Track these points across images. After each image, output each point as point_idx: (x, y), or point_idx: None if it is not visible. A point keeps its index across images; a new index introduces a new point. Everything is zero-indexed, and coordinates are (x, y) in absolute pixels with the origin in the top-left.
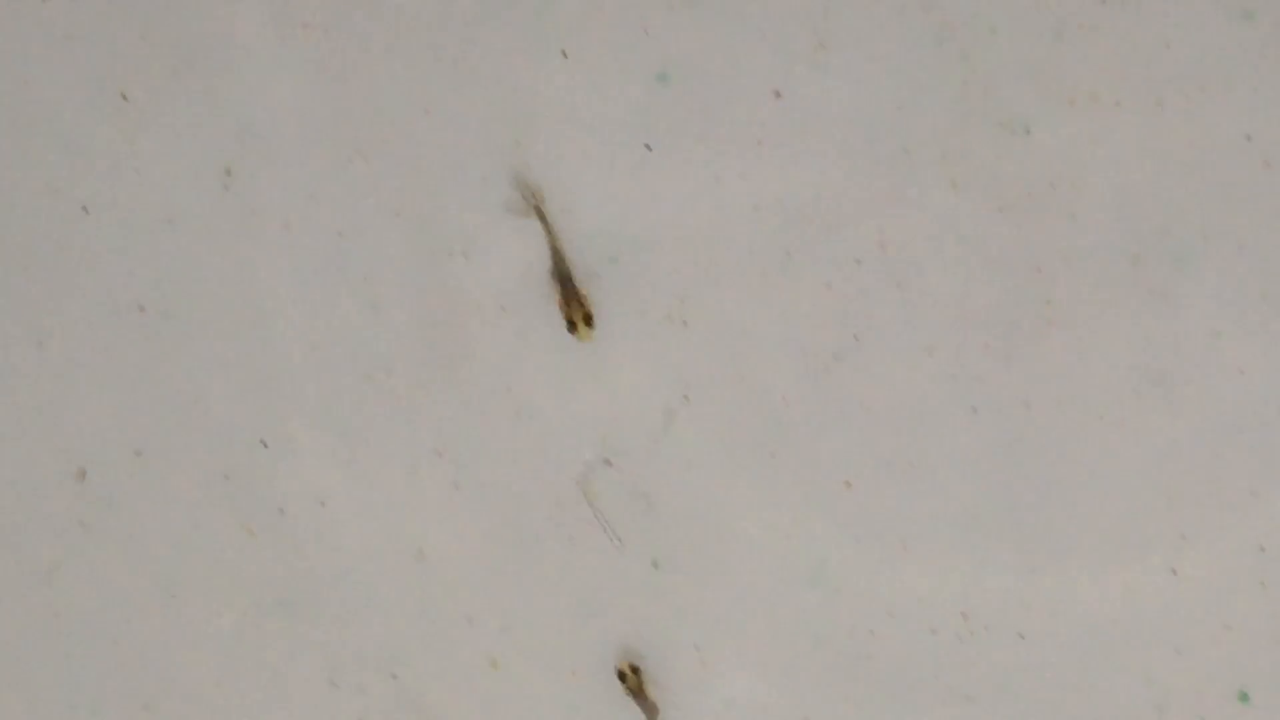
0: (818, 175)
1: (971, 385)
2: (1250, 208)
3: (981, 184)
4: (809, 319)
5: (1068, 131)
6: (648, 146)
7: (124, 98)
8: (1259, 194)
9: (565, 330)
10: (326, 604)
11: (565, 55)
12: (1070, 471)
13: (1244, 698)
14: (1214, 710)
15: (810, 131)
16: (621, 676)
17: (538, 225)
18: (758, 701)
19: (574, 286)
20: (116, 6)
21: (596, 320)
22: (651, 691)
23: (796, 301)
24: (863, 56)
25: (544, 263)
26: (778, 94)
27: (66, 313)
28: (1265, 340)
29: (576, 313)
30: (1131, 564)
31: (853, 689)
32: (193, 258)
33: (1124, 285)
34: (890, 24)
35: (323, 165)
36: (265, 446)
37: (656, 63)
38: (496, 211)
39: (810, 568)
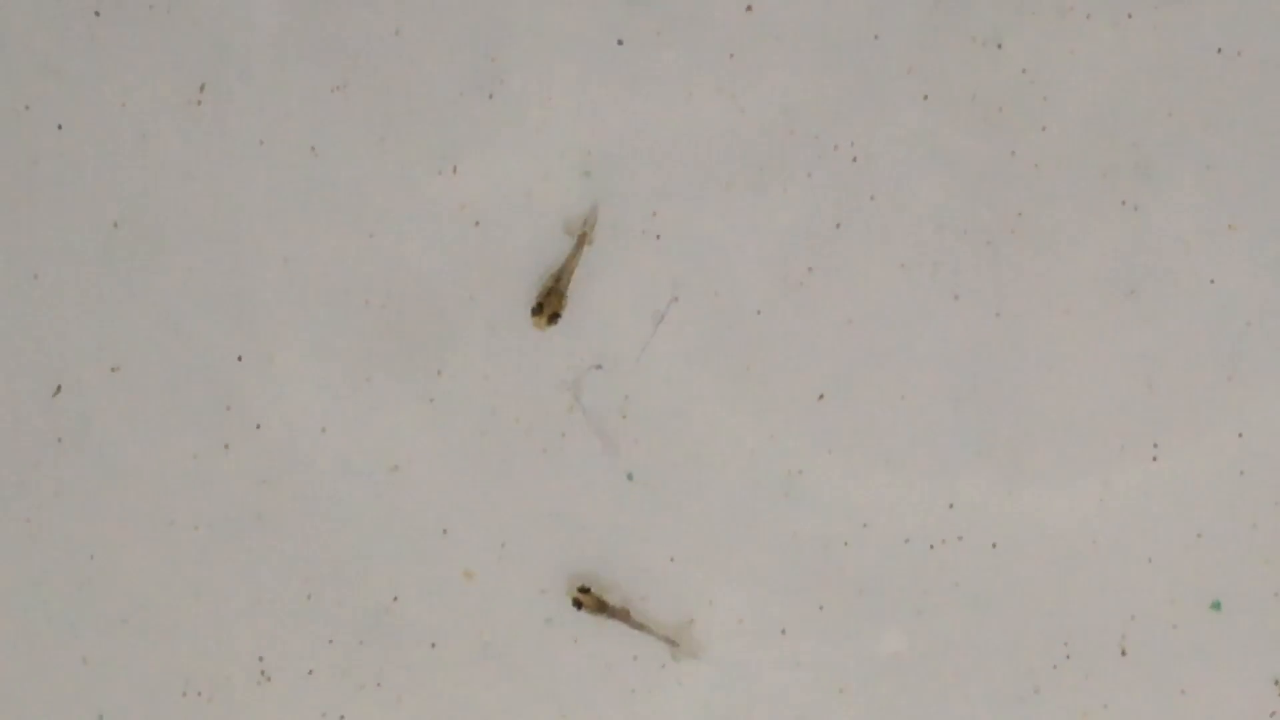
0: (790, 88)
1: (943, 297)
2: (1219, 120)
3: (953, 96)
4: (783, 232)
5: (1039, 44)
6: (621, 62)
7: (97, 14)
8: (1228, 106)
9: (530, 306)
10: (302, 518)
11: None
12: (1043, 381)
13: (1216, 606)
14: (1186, 619)
15: (782, 44)
16: (577, 604)
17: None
18: (732, 612)
19: (563, 287)
20: None
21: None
22: (612, 599)
23: (770, 214)
24: None
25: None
26: (749, 7)
27: (42, 230)
28: (1233, 250)
29: (553, 304)
30: (1106, 472)
31: (827, 599)
32: (168, 174)
33: (1095, 196)
34: None
35: (297, 82)
36: (241, 362)
37: None
38: (472, 126)
39: (784, 479)
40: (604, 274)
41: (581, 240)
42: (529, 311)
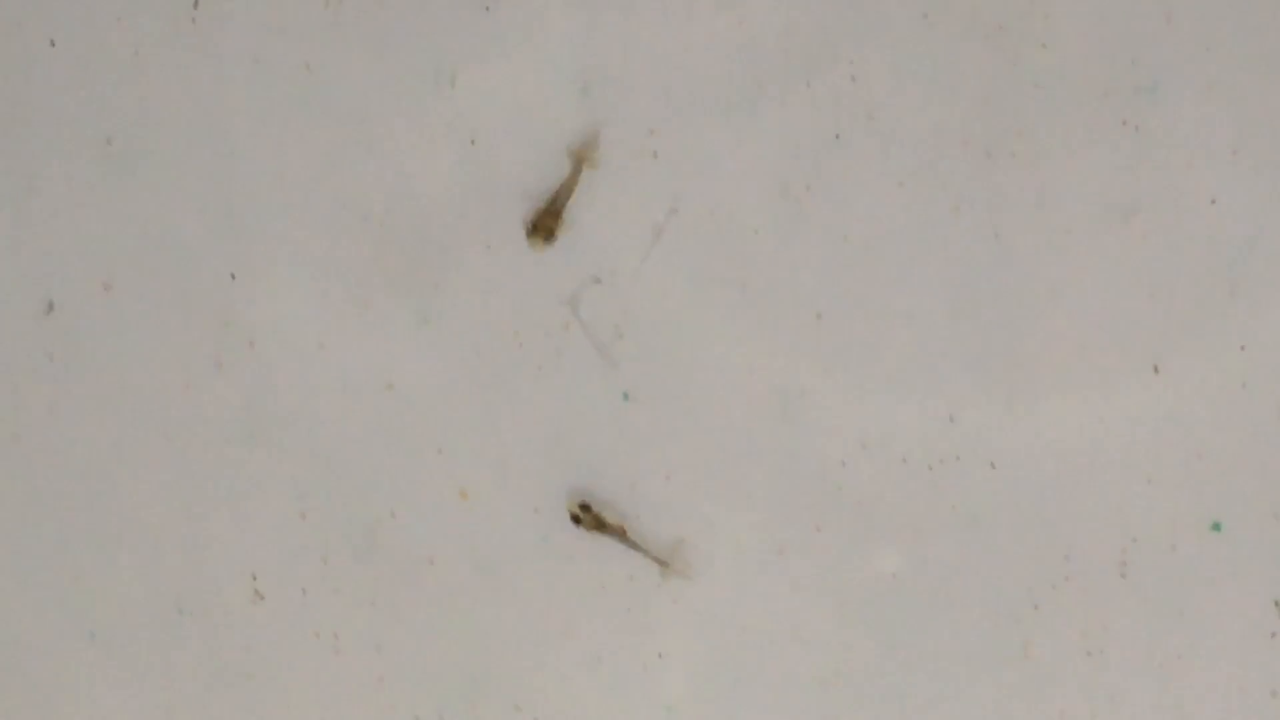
0: (790, 5)
1: (942, 217)
2: (1222, 39)
3: (953, 14)
4: (780, 150)
5: None
6: None
7: None
8: (1230, 25)
9: (525, 228)
10: (295, 436)
11: None
12: (1042, 300)
13: (1216, 527)
14: (1186, 540)
15: None
16: (576, 520)
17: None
18: (729, 533)
19: (559, 208)
20: None
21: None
22: (611, 516)
23: (768, 133)
24: None
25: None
26: None
27: (34, 146)
28: (1235, 171)
29: (548, 224)
30: (1105, 391)
31: (824, 519)
32: (161, 91)
33: (1095, 116)
34: None
35: None
36: (234, 279)
37: None
38: (469, 39)
39: (781, 399)
40: (600, 192)
41: (580, 162)
42: (524, 232)
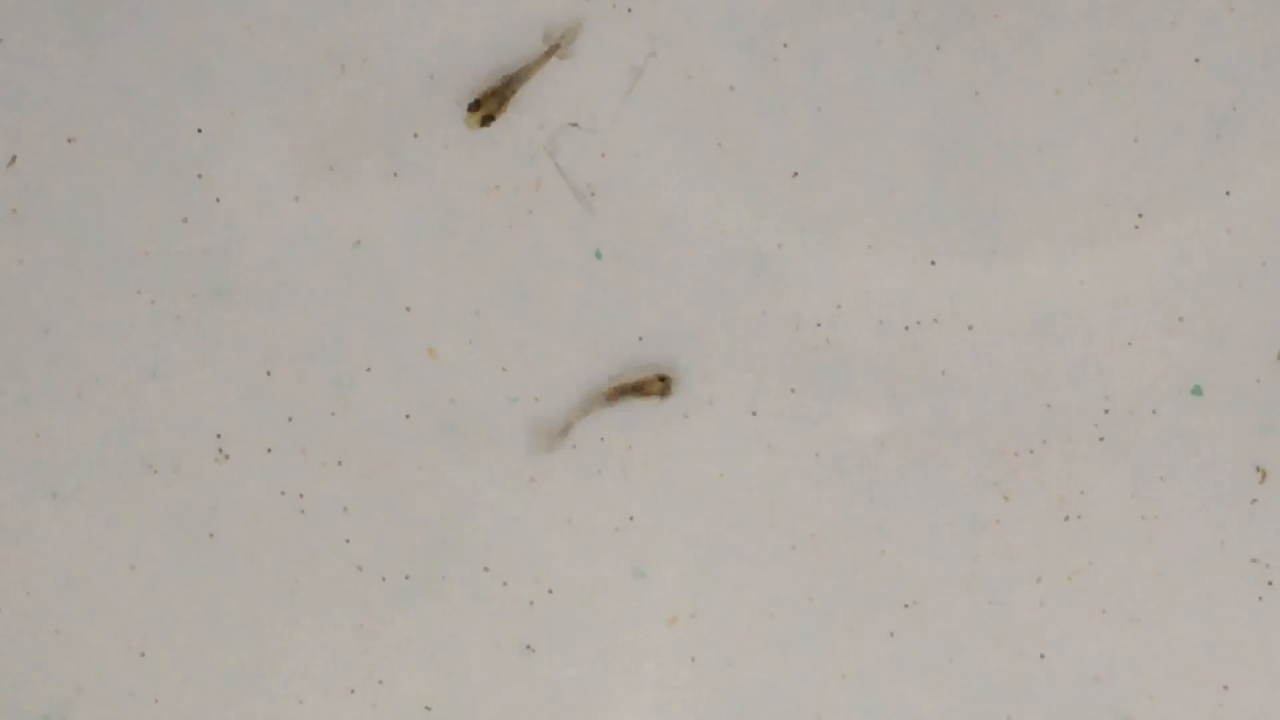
0: None
1: (922, 74)
2: None
3: None
4: (757, 7)
5: None
6: None
7: None
8: None
9: (469, 103)
10: (262, 293)
11: None
12: (1022, 160)
13: (1197, 391)
14: (1166, 403)
15: None
16: (639, 389)
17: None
18: (702, 395)
19: (509, 92)
20: None
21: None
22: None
23: None
24: None
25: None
26: None
27: None
28: (1219, 28)
29: (491, 106)
30: (1086, 252)
31: (799, 380)
32: None
33: None
34: None
35: None
36: (201, 134)
37: None
38: None
39: (757, 258)
40: (576, 49)
41: (552, 50)
42: (465, 109)
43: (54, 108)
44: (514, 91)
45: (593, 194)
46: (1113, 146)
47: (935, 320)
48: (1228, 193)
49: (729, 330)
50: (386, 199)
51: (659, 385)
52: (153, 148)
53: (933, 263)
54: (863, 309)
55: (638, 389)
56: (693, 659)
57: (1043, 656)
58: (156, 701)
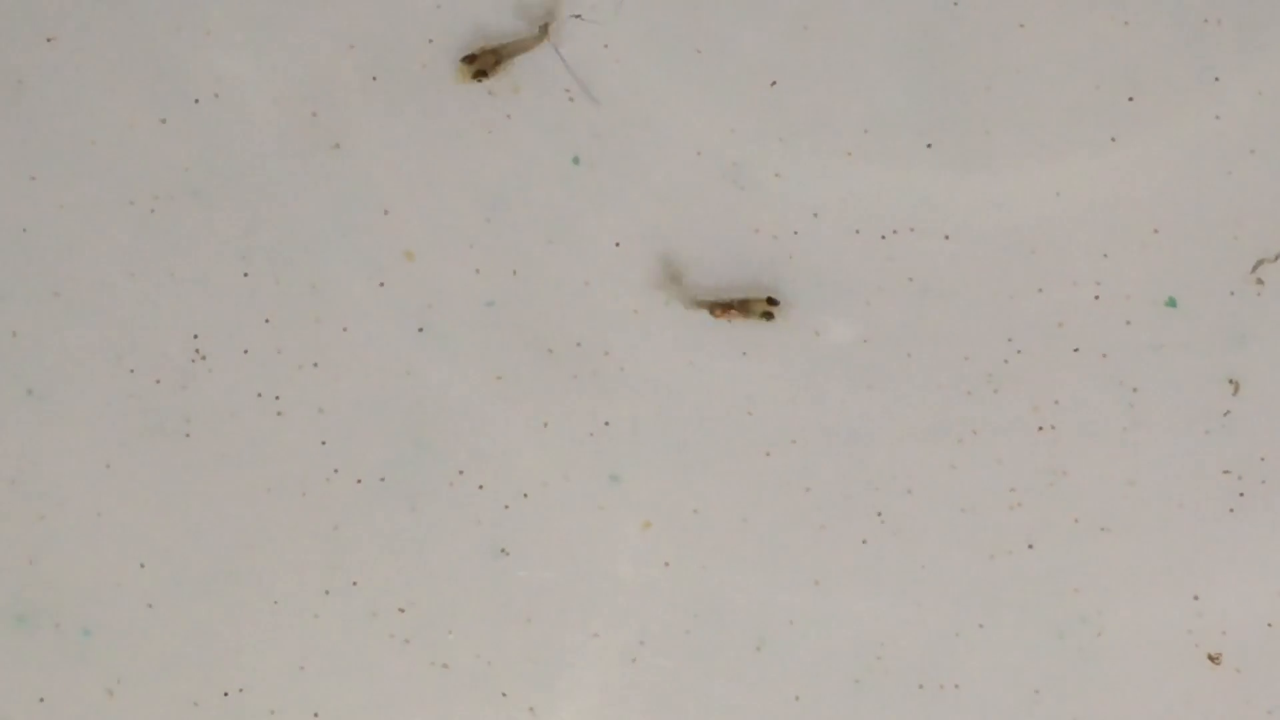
0: None
1: None
2: None
3: None
4: None
5: None
6: None
7: None
8: None
9: (464, 55)
10: (240, 193)
11: None
12: (1000, 71)
13: (1171, 303)
14: (1141, 315)
15: None
16: (744, 308)
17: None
18: (677, 302)
19: (504, 57)
20: None
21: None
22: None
23: None
24: None
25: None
26: None
27: None
28: None
29: (486, 62)
30: (1062, 162)
31: (776, 289)
32: None
33: None
34: None
35: None
36: (179, 33)
37: None
38: None
39: (733, 167)
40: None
41: (542, 35)
42: (459, 58)
43: (31, 7)
44: (509, 56)
45: (571, 99)
46: (1088, 62)
47: (911, 229)
48: (1217, 118)
49: (705, 238)
50: (365, 100)
51: (763, 307)
52: (131, 46)
53: (909, 173)
54: (839, 218)
55: (743, 308)
56: (666, 563)
57: (1014, 565)
58: (129, 601)
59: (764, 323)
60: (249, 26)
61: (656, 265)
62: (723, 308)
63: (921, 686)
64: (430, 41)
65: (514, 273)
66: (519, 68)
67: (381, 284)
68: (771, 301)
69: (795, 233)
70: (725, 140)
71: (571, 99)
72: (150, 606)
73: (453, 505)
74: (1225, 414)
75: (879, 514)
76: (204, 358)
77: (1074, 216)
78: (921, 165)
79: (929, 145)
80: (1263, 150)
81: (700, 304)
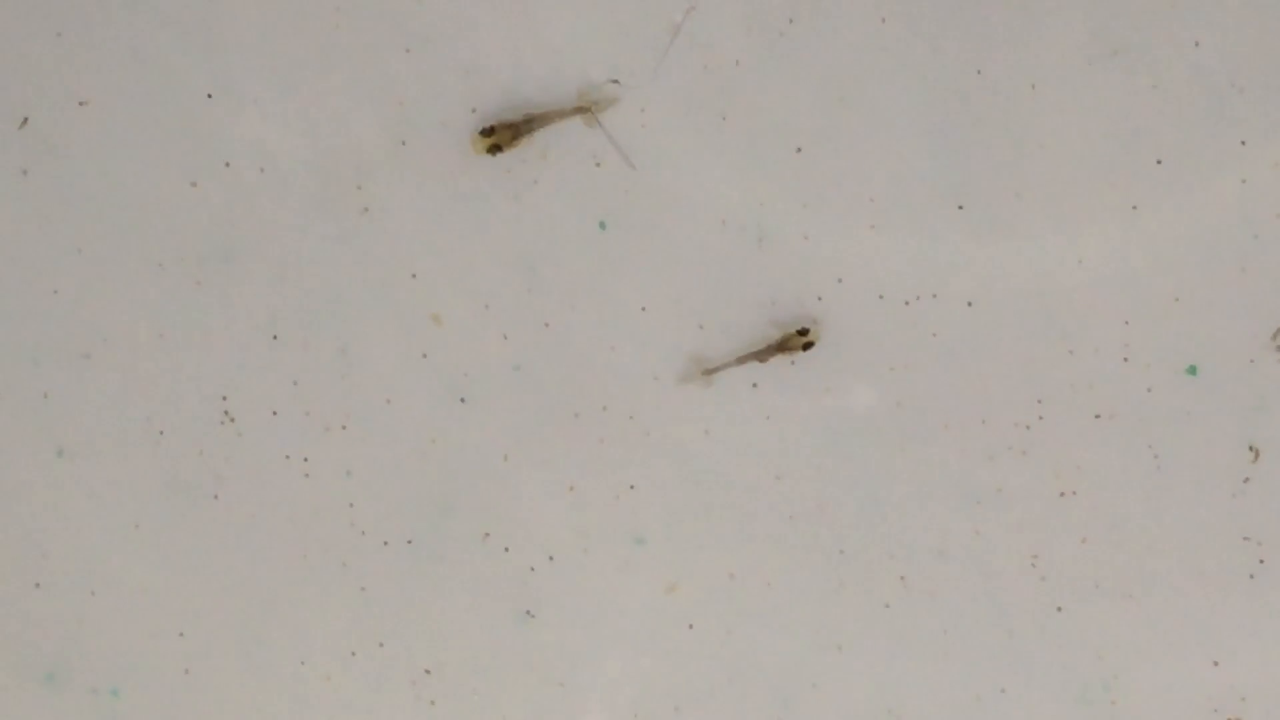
0: None
1: (925, 53)
2: None
3: None
4: None
5: None
6: None
7: None
8: None
9: (482, 128)
10: (270, 256)
11: None
12: (1024, 139)
13: (1192, 371)
14: (1162, 383)
15: None
16: (784, 346)
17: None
18: (701, 364)
19: (524, 132)
20: None
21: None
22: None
23: None
24: None
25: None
26: None
27: None
28: (1219, 12)
29: (504, 137)
30: (1085, 230)
31: (799, 354)
32: None
33: None
34: None
35: None
36: (211, 99)
37: None
38: None
39: (759, 232)
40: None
41: (581, 110)
42: (477, 130)
43: (66, 69)
44: (530, 131)
45: (598, 165)
46: (1112, 130)
47: (934, 295)
48: (1244, 181)
49: (730, 302)
50: (394, 163)
51: (800, 340)
52: (163, 111)
53: (933, 239)
54: (862, 284)
55: (782, 347)
56: (690, 626)
57: (1036, 629)
58: (157, 660)
59: (804, 354)
60: (279, 91)
61: (687, 346)
62: (765, 353)
63: None
64: (460, 108)
65: (541, 337)
66: (547, 134)
67: (409, 347)
68: (803, 332)
69: (819, 298)
70: (750, 206)
71: (598, 164)
72: (178, 666)
73: (479, 568)
74: (1245, 481)
75: (902, 578)
76: (233, 419)
77: (1096, 284)
78: (945, 231)
79: (960, 207)
80: None
81: (741, 360)
